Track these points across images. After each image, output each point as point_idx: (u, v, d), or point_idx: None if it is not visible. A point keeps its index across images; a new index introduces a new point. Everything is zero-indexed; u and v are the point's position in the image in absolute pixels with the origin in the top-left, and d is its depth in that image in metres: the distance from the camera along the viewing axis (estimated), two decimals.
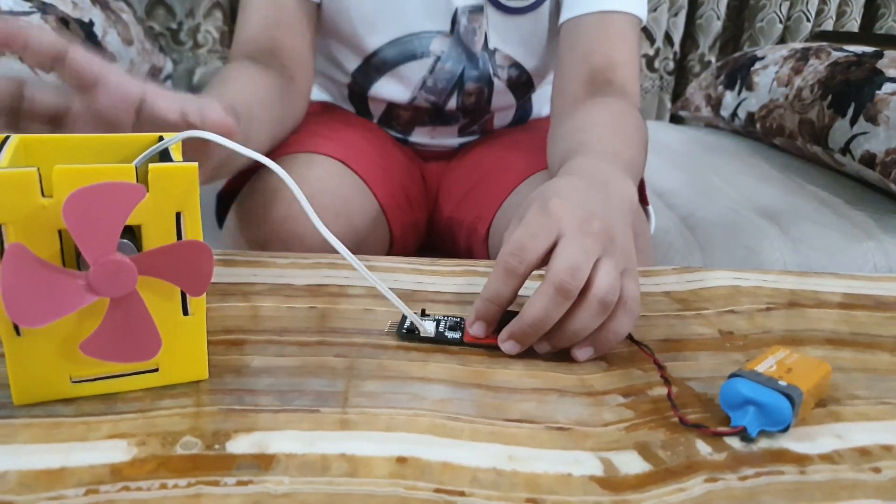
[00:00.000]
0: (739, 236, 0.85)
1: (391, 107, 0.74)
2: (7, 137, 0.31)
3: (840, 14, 1.78)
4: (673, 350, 0.39)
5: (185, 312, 0.30)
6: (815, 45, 1.18)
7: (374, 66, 0.70)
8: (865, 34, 1.50)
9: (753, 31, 1.79)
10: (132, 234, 0.28)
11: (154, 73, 1.29)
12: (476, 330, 0.37)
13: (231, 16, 1.70)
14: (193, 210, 0.28)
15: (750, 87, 1.24)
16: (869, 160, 0.91)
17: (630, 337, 0.40)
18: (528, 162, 0.67)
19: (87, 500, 0.25)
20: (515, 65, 0.71)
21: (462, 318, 0.39)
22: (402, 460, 0.28)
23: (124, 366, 0.30)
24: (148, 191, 0.27)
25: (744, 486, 0.28)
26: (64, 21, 0.94)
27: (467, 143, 0.79)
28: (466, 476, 0.28)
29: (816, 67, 1.09)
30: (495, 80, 0.72)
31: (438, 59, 0.69)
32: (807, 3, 1.73)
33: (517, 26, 0.69)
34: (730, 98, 1.30)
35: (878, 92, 0.93)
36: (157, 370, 0.30)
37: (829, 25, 1.77)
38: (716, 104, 1.34)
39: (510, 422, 0.31)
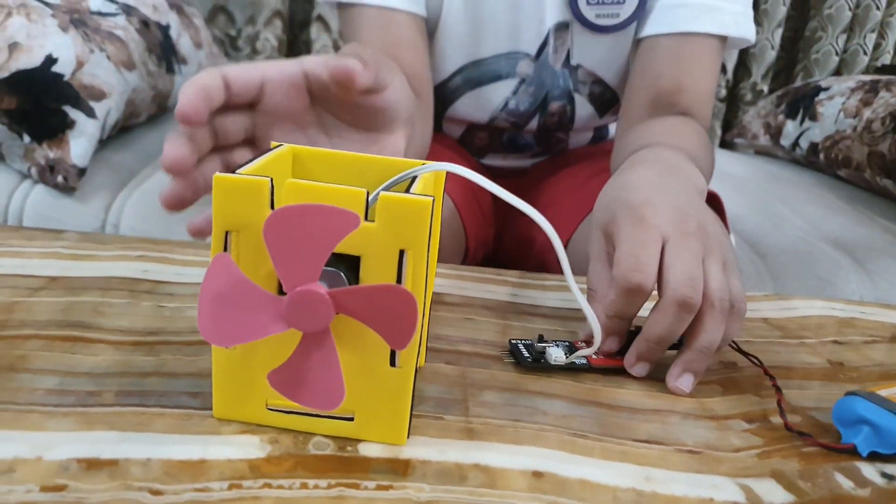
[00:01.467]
0: (812, 266, 0.83)
1: (469, 129, 0.74)
2: (279, 146, 0.31)
3: None
4: (783, 377, 0.38)
5: (393, 364, 0.27)
6: (885, 77, 1.16)
7: (457, 84, 0.70)
8: None
9: (808, 62, 1.77)
10: (353, 265, 0.26)
11: (158, 95, 1.31)
12: (610, 344, 0.36)
13: (291, 25, 1.71)
14: (419, 249, 0.26)
15: (814, 118, 1.22)
16: None
17: (737, 347, 0.38)
18: (601, 183, 0.66)
19: (232, 494, 0.24)
20: (598, 81, 0.71)
21: (570, 341, 0.38)
22: (538, 475, 0.27)
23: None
24: (374, 220, 0.25)
25: None
26: (145, 23, 0.96)
27: (539, 164, 0.79)
28: (607, 495, 0.26)
29: (888, 100, 1.07)
30: (576, 97, 0.71)
31: (523, 80, 0.69)
32: (864, 36, 1.71)
33: (602, 43, 0.68)
34: (791, 127, 1.28)
35: None
36: (351, 419, 0.28)
37: (886, 59, 1.74)
38: (776, 133, 1.32)
39: (638, 442, 0.30)
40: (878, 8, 1.69)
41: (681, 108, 0.61)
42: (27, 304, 0.37)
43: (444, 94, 0.71)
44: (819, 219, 0.97)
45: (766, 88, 1.80)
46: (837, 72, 1.76)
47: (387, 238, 0.25)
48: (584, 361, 0.36)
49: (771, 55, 1.77)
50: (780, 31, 1.75)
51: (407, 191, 0.26)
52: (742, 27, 0.63)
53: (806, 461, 0.30)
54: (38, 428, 0.27)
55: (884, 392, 0.33)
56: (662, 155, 0.47)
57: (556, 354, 0.36)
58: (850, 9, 1.70)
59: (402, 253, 0.26)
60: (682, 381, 0.35)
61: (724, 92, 1.79)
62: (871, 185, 1.07)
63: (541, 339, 0.37)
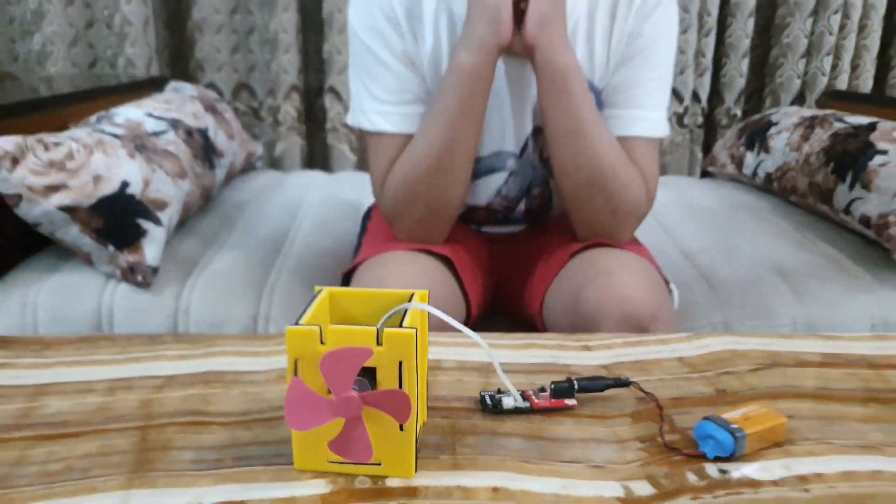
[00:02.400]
0: (755, 294, 0.98)
1: (469, 209, 0.91)
2: (321, 290, 0.48)
3: (854, 67, 1.90)
4: (677, 406, 0.54)
5: (401, 429, 0.43)
6: (821, 113, 1.32)
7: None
8: (875, 95, 1.61)
9: (774, 86, 1.92)
10: (373, 372, 0.43)
11: (249, 158, 1.50)
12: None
13: (307, 96, 1.90)
14: (410, 360, 0.42)
15: (767, 150, 1.37)
16: (865, 221, 1.04)
17: (640, 387, 0.55)
18: (568, 247, 0.83)
19: None
20: None
21: (524, 391, 0.55)
22: (496, 489, 0.44)
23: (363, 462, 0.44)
24: (382, 345, 0.42)
25: (716, 502, 0.43)
26: (188, 132, 1.14)
27: (526, 229, 0.96)
28: (537, 499, 0.43)
29: (821, 136, 1.22)
30: (552, 183, 0.89)
31: (512, 173, 0.87)
32: (821, 60, 1.86)
33: None
34: (750, 158, 1.43)
35: (869, 163, 1.06)
36: (379, 464, 0.44)
37: (844, 79, 1.89)
38: (738, 163, 1.48)
39: (563, 462, 0.47)
40: (830, 34, 1.84)
41: None
42: (158, 400, 0.54)
43: None
44: (767, 248, 1.12)
45: (739, 112, 1.95)
46: (801, 93, 1.91)
47: (390, 356, 0.42)
48: (528, 405, 0.53)
49: (741, 82, 1.93)
50: (746, 61, 1.91)
51: (401, 322, 0.44)
52: (661, 130, 0.82)
53: (671, 466, 0.46)
54: (192, 485, 0.44)
55: (727, 415, 0.49)
56: None
57: (508, 402, 0.52)
58: (805, 36, 1.86)
59: (400, 364, 0.43)
60: None
61: (700, 119, 1.95)
62: (814, 209, 1.22)
63: (499, 391, 0.54)
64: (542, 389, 0.54)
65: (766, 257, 1.08)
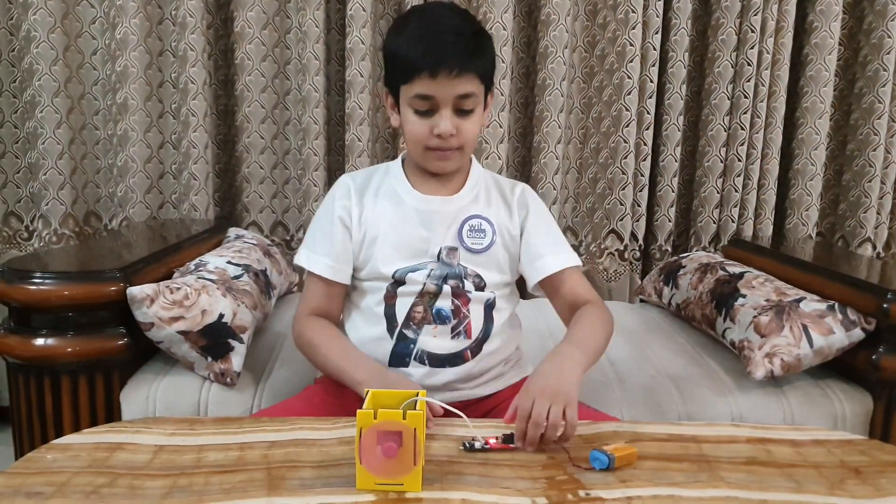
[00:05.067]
0: (653, 395, 1.35)
1: (411, 309, 1.14)
2: (368, 392, 0.86)
3: (757, 216, 2.34)
4: (575, 462, 0.91)
5: (415, 463, 0.80)
6: (713, 260, 1.73)
7: (397, 279, 1.14)
8: (758, 246, 2.04)
9: (696, 228, 2.35)
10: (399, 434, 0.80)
11: (290, 286, 1.89)
12: (528, 448, 0.91)
13: None
14: (421, 428, 0.79)
15: (677, 286, 1.78)
16: (732, 344, 1.42)
17: (567, 451, 0.91)
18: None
19: None
20: (477, 275, 1.16)
21: (485, 439, 0.92)
22: (464, 500, 0.80)
23: (393, 481, 0.81)
24: (405, 419, 0.79)
25: None
26: (256, 274, 1.55)
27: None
28: None
29: (709, 280, 1.63)
30: (465, 282, 1.15)
31: (432, 270, 1.14)
32: (730, 210, 2.30)
33: (476, 257, 1.16)
34: (666, 291, 1.83)
35: (735, 303, 1.46)
36: (402, 484, 0.80)
37: (750, 224, 2.32)
38: (659, 294, 1.88)
39: (502, 487, 0.83)
40: (736, 191, 2.29)
41: (580, 303, 1.17)
42: (271, 454, 0.90)
43: (394, 286, 1.14)
44: (668, 360, 1.50)
45: (669, 248, 2.37)
46: (717, 234, 2.34)
47: (410, 425, 0.80)
48: (487, 447, 0.89)
49: (669, 226, 2.35)
50: (673, 209, 2.34)
51: (414, 405, 0.82)
52: (575, 261, 1.21)
53: (559, 490, 0.82)
54: (303, 496, 0.80)
55: (609, 447, 0.86)
56: (563, 351, 1.05)
57: (476, 444, 0.89)
58: (718, 192, 2.31)
59: (415, 430, 0.80)
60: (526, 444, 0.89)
61: (638, 253, 2.37)
62: (705, 333, 1.61)
63: (472, 440, 0.91)
64: (496, 438, 0.91)
65: (666, 368, 1.45)
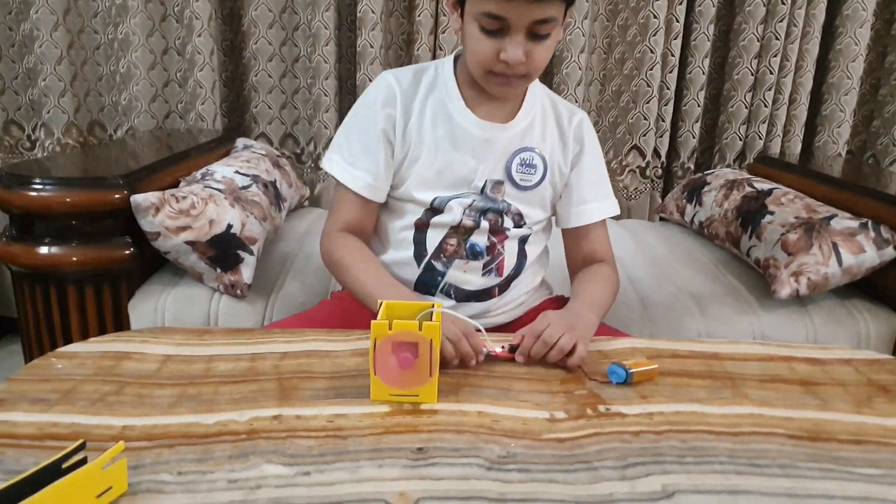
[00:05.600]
0: (673, 313, 1.32)
1: (443, 241, 1.06)
2: (382, 303, 0.82)
3: (785, 133, 2.25)
4: (592, 377, 0.88)
5: (430, 375, 0.77)
6: (739, 177, 1.66)
7: (434, 206, 1.05)
8: (788, 163, 1.95)
9: (721, 146, 2.27)
10: (415, 346, 0.77)
11: (301, 199, 1.85)
12: (520, 359, 0.88)
13: None
14: (437, 339, 0.76)
15: (700, 204, 1.72)
16: (757, 262, 1.38)
17: (581, 368, 0.89)
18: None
19: (384, 420, 0.76)
20: (518, 213, 1.08)
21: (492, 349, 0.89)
22: (480, 413, 0.78)
23: (408, 392, 0.79)
24: (421, 330, 0.76)
25: (598, 422, 0.76)
26: (265, 185, 1.50)
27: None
28: (502, 416, 0.77)
29: (736, 197, 1.57)
30: (505, 217, 1.07)
31: (473, 202, 1.05)
32: (758, 126, 2.21)
33: (523, 194, 1.07)
34: (689, 209, 1.78)
35: (762, 220, 1.40)
36: (417, 395, 0.78)
37: (778, 141, 2.23)
38: (681, 212, 1.82)
39: (519, 401, 0.81)
40: (766, 105, 2.19)
41: (596, 259, 1.12)
42: (283, 365, 0.88)
43: (430, 213, 1.05)
44: (689, 279, 1.46)
45: (692, 166, 2.30)
46: (742, 152, 2.26)
47: (426, 336, 0.77)
48: (492, 353, 0.88)
49: (693, 142, 2.27)
50: (698, 125, 2.25)
51: (431, 317, 0.79)
52: (615, 210, 1.13)
53: (578, 405, 0.80)
54: (314, 406, 0.78)
55: (628, 362, 0.83)
56: (578, 308, 0.99)
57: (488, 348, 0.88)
58: (746, 107, 2.21)
59: (430, 341, 0.77)
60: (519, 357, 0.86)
61: (660, 171, 2.30)
62: (729, 251, 1.56)
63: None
64: (502, 347, 0.89)
65: (687, 285, 1.42)
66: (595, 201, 1.12)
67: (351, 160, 1.05)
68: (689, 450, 0.72)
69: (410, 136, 1.03)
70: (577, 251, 1.14)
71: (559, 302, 1.18)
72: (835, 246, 1.27)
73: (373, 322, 0.77)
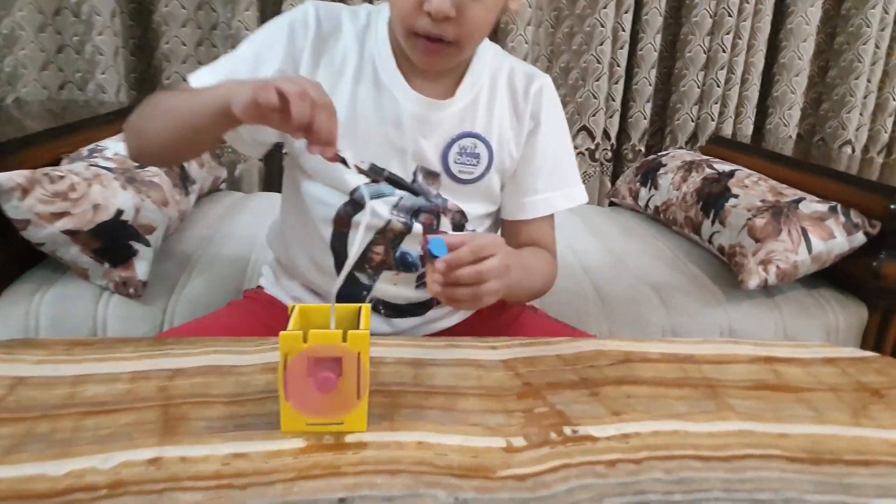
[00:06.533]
0: (634, 306, 1.20)
1: (368, 249, 0.90)
2: (294, 307, 0.65)
3: (737, 114, 2.18)
4: (552, 389, 0.74)
5: (358, 397, 0.62)
6: (698, 158, 1.56)
7: (355, 198, 0.88)
8: (745, 144, 1.88)
9: (672, 126, 2.18)
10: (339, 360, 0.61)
11: (215, 181, 1.65)
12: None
13: None
14: (366, 352, 0.60)
15: (656, 187, 1.61)
16: (721, 250, 1.27)
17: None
18: None
19: (295, 461, 0.59)
20: (459, 211, 0.92)
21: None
22: (420, 443, 0.63)
23: (330, 421, 0.63)
24: (346, 342, 0.60)
25: (566, 449, 0.63)
26: None
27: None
28: (448, 448, 0.62)
29: (695, 179, 1.46)
30: (443, 218, 0.92)
31: (402, 199, 0.88)
32: (711, 106, 2.13)
33: (462, 189, 0.91)
34: (643, 193, 1.67)
35: (726, 204, 1.30)
36: (342, 423, 0.63)
37: (730, 123, 2.16)
38: (635, 196, 1.72)
39: (468, 425, 0.66)
40: (718, 86, 2.11)
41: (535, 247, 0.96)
42: (172, 386, 0.71)
43: (347, 209, 0.88)
44: (647, 267, 1.35)
45: (643, 148, 2.20)
46: (694, 133, 2.18)
47: (352, 349, 0.61)
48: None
49: (644, 123, 2.18)
50: (649, 105, 2.16)
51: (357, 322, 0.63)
52: (578, 200, 0.96)
53: (540, 428, 0.66)
54: (206, 443, 0.61)
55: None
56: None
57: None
58: (698, 86, 2.12)
59: (359, 354, 0.62)
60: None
61: (609, 154, 2.19)
62: (688, 237, 1.46)
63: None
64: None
65: (646, 275, 1.31)
66: (548, 191, 0.95)
67: (214, 68, 0.83)
68: (677, 484, 0.59)
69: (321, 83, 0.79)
70: (513, 242, 0.95)
71: (521, 308, 1.04)
72: (804, 231, 1.18)
73: (281, 334, 0.61)
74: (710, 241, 1.33)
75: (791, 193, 1.28)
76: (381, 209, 0.88)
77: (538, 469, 0.60)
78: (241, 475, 0.57)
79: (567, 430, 0.66)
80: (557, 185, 0.95)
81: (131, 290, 1.09)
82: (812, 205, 1.24)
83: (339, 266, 0.91)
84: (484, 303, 0.72)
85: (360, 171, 0.73)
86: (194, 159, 1.48)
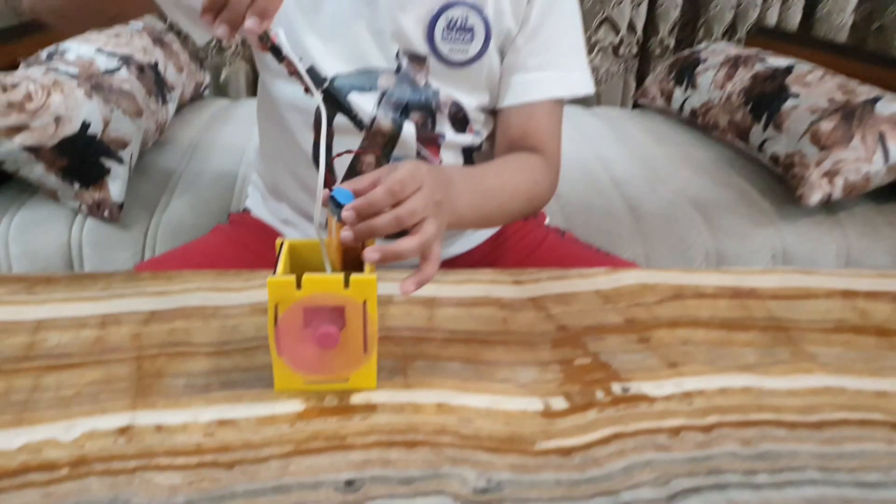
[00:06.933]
0: (674, 227, 1.09)
1: (356, 160, 0.80)
2: (282, 243, 0.55)
3: (784, 0, 1.98)
4: (592, 334, 0.64)
5: (366, 351, 0.53)
6: (745, 52, 1.40)
7: (332, 93, 0.78)
8: (799, 34, 1.70)
9: (708, 17, 1.99)
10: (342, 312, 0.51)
11: (197, 88, 1.51)
12: (347, 215, 0.52)
13: None
14: (373, 299, 0.51)
15: (694, 86, 1.46)
16: (775, 159, 1.15)
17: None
18: None
19: (291, 429, 0.50)
20: (456, 105, 0.81)
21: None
22: (440, 405, 0.54)
23: (333, 378, 0.54)
24: (349, 288, 0.50)
25: (616, 413, 0.54)
26: (140, 68, 1.16)
27: None
28: (472, 412, 0.53)
29: (743, 77, 1.31)
30: (437, 114, 0.80)
31: (386, 93, 0.78)
32: None
33: (456, 75, 0.79)
34: (678, 93, 1.52)
35: (783, 105, 1.16)
36: (347, 380, 0.54)
37: (774, 12, 1.97)
38: (667, 97, 1.57)
39: (496, 382, 0.57)
40: None
41: (529, 148, 0.80)
42: (146, 333, 0.62)
43: (329, 103, 0.77)
44: (687, 181, 1.23)
45: (672, 43, 2.02)
46: (733, 24, 1.99)
47: (356, 297, 0.51)
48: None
49: (675, 13, 1.99)
50: None
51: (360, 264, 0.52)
52: (578, 88, 0.81)
53: (584, 385, 0.57)
54: (186, 406, 0.52)
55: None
56: (451, 174, 0.66)
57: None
58: None
59: (364, 302, 0.51)
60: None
61: (635, 49, 2.02)
62: (732, 145, 1.33)
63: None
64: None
65: (686, 190, 1.19)
66: (542, 70, 0.80)
67: None
68: (759, 459, 0.50)
69: None
70: (504, 135, 0.81)
71: (546, 231, 0.93)
72: (882, 137, 1.04)
73: (269, 280, 0.50)
74: (760, 150, 1.20)
75: (865, 91, 1.14)
76: (363, 104, 0.77)
77: (586, 440, 0.51)
78: (228, 449, 0.48)
79: (616, 388, 0.57)
80: (554, 65, 0.80)
81: (106, 213, 0.98)
82: (892, 105, 1.10)
83: (327, 184, 0.79)
84: (427, 233, 0.55)
85: (292, 70, 0.58)
86: (110, 28, 1.25)
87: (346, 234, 0.52)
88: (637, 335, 0.65)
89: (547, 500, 0.45)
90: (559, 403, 0.54)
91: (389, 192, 0.53)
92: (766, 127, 1.18)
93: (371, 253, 0.52)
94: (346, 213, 0.52)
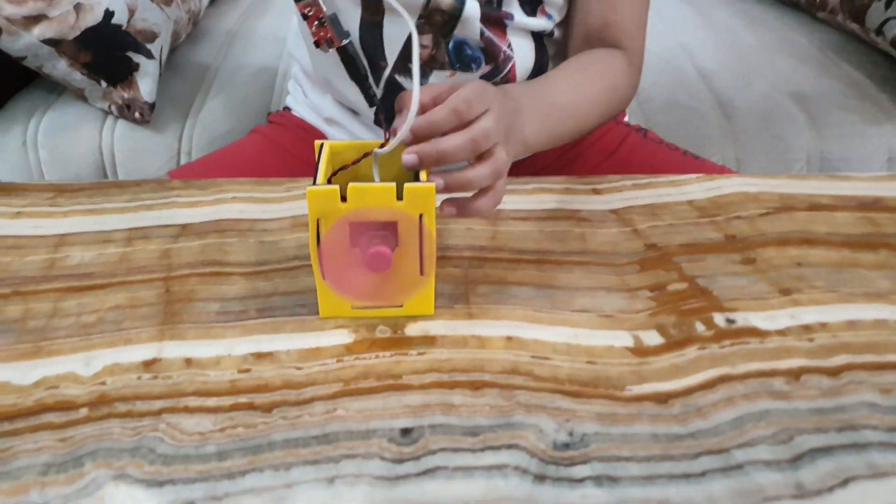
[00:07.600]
0: (770, 126, 0.97)
1: (409, 42, 0.70)
2: (322, 144, 0.47)
3: None
4: (688, 253, 0.56)
5: (422, 273, 0.46)
6: None
7: None
8: None
9: None
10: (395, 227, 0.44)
11: (192, 16, 1.40)
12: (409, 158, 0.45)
13: None
14: (430, 213, 0.44)
15: None
16: (894, 44, 1.00)
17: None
18: None
19: (338, 365, 0.44)
20: None
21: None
22: (509, 338, 0.47)
23: (386, 304, 0.48)
24: (402, 200, 0.43)
25: (721, 351, 0.46)
26: None
27: None
28: (549, 348, 0.46)
29: None
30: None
31: None
32: None
33: None
34: None
35: None
36: (401, 306, 0.48)
37: None
38: None
39: (574, 311, 0.49)
40: None
41: (609, 41, 0.70)
42: (176, 250, 0.56)
43: None
44: (787, 71, 1.08)
45: None
46: None
47: (411, 210, 0.44)
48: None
49: None
50: None
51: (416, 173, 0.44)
52: None
53: (680, 316, 0.49)
54: (220, 337, 0.47)
55: None
56: (527, 97, 0.58)
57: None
58: None
59: (421, 217, 0.44)
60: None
61: None
62: (843, 28, 1.17)
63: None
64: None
65: (786, 82, 1.05)
66: None
67: None
68: None
69: None
70: (581, 24, 0.71)
71: (626, 130, 0.82)
72: None
73: (308, 190, 0.43)
74: (879, 32, 1.04)
75: None
76: None
77: (686, 384, 0.43)
78: (266, 389, 0.43)
79: (719, 320, 0.49)
80: None
81: (137, 115, 0.92)
82: None
83: (374, 72, 0.70)
84: (498, 159, 0.47)
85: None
86: None
87: (409, 157, 0.44)
88: (740, 255, 0.56)
89: (642, 459, 0.38)
90: (652, 338, 0.47)
91: (454, 111, 0.45)
92: (888, 4, 1.02)
93: (434, 178, 0.44)
94: (403, 133, 0.44)
